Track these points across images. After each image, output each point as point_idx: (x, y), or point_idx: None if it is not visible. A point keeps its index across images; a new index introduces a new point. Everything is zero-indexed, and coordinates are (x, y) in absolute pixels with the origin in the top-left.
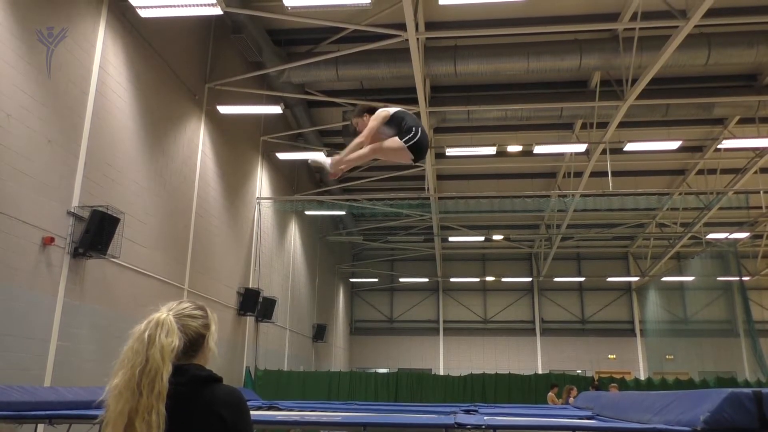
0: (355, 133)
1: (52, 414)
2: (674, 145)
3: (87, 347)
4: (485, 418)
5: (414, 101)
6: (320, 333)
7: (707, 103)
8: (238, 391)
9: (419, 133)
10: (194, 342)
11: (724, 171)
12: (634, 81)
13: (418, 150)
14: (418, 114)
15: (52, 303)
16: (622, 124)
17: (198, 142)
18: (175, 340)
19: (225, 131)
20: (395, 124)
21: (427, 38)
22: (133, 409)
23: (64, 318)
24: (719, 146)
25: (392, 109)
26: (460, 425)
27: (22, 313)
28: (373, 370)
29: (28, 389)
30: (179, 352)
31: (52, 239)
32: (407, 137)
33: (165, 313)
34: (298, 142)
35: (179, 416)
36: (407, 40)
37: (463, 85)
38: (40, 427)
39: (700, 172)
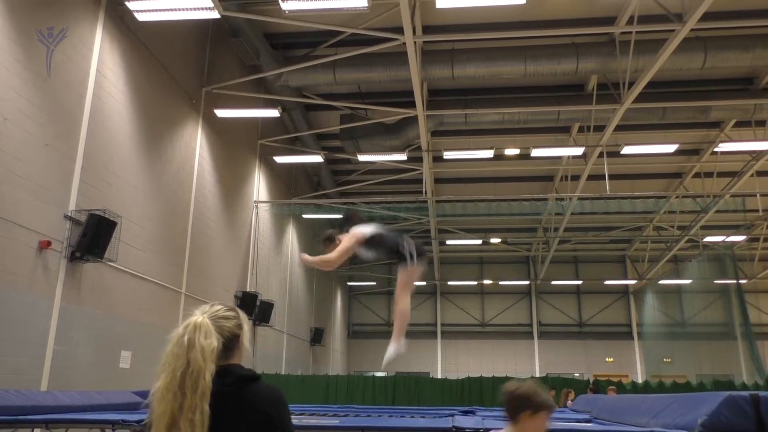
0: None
1: (48, 418)
2: (671, 148)
3: (84, 351)
4: (483, 421)
5: (411, 105)
6: (318, 336)
7: (704, 106)
8: (279, 389)
9: (412, 246)
10: (230, 342)
11: (721, 174)
12: (630, 84)
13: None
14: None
15: (48, 307)
16: (619, 128)
17: (195, 146)
18: (214, 341)
19: (222, 135)
20: (375, 244)
21: (424, 42)
22: (177, 410)
23: (60, 322)
24: (716, 149)
25: (368, 230)
26: (458, 428)
27: (18, 317)
28: (370, 374)
29: (24, 393)
30: (218, 353)
31: (49, 243)
32: (411, 258)
33: (200, 316)
34: (296, 146)
35: (226, 414)
36: (404, 43)
37: (460, 89)
38: (37, 431)
39: (697, 175)
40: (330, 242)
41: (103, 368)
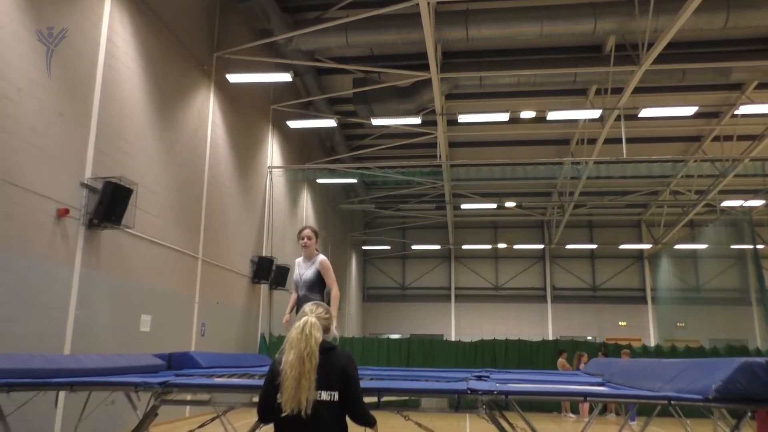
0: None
1: (73, 381)
2: (690, 110)
3: (104, 316)
4: (497, 384)
5: (425, 67)
6: None
7: (725, 67)
8: (349, 352)
9: None
10: (326, 330)
11: (741, 137)
12: (650, 45)
13: None
14: None
15: (69, 273)
16: (637, 90)
17: (208, 112)
18: (320, 334)
19: (235, 101)
20: (320, 288)
21: (438, 2)
22: (301, 373)
23: (81, 288)
24: (736, 112)
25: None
26: (473, 391)
27: (40, 284)
28: (385, 336)
29: (49, 357)
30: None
31: (66, 211)
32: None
33: (312, 316)
34: (309, 111)
35: (323, 369)
36: (418, 4)
37: (475, 51)
38: (62, 393)
39: (716, 138)
40: (317, 237)
41: (124, 332)
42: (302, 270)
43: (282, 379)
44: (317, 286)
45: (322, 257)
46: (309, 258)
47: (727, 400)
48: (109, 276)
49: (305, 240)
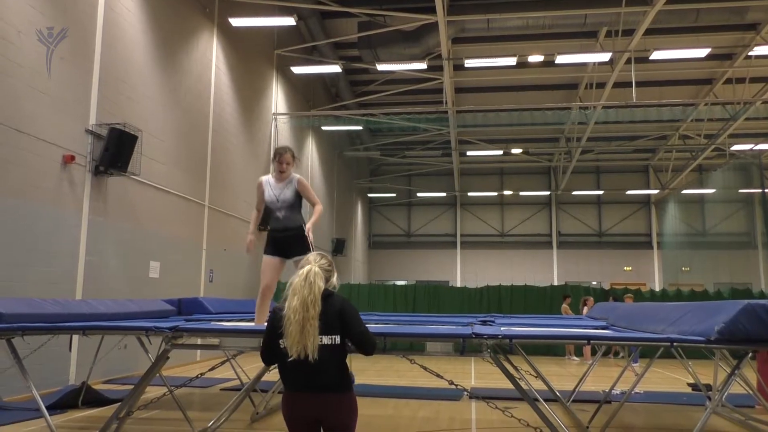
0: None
1: (85, 325)
2: (703, 52)
3: (114, 262)
4: (501, 328)
5: (432, 10)
6: (339, 247)
7: (740, 6)
8: (346, 298)
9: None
10: (327, 280)
11: (754, 80)
12: None
13: None
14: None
15: (77, 220)
16: (648, 31)
17: (211, 58)
18: (323, 283)
19: (238, 46)
20: (298, 205)
21: None
22: (305, 318)
23: (90, 234)
24: (750, 53)
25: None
26: (478, 335)
27: (49, 230)
28: (391, 283)
29: (61, 302)
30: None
31: (72, 157)
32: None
33: (315, 265)
34: (313, 56)
35: (324, 312)
36: None
37: None
38: (75, 338)
39: (728, 81)
40: (293, 160)
41: (134, 278)
42: (276, 191)
43: (286, 324)
44: (297, 206)
45: (298, 176)
46: (283, 179)
47: (729, 341)
48: (117, 223)
49: (284, 165)
